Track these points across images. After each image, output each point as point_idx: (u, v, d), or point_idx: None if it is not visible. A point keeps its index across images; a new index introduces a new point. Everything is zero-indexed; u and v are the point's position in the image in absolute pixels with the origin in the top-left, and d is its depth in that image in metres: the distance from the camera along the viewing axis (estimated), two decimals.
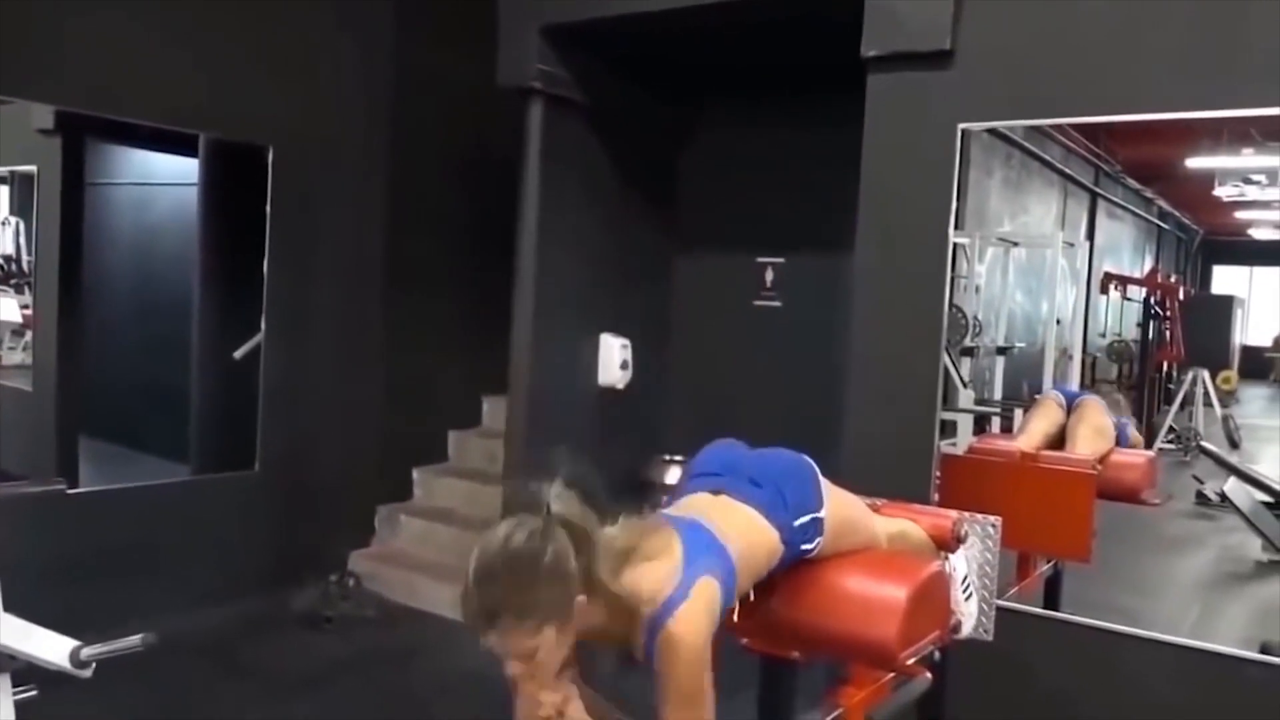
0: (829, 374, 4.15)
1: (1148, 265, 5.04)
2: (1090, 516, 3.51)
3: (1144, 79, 3.14)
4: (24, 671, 2.23)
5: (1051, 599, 3.57)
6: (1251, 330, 4.53)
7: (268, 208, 4.95)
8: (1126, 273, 4.90)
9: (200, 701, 3.85)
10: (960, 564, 2.39)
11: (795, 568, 2.01)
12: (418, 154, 5.57)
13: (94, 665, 2.20)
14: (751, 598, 1.96)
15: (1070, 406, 3.92)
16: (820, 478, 2.05)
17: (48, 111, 4.36)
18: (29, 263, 4.59)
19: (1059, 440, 3.77)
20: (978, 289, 4.51)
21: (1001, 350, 4.62)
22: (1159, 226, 5.04)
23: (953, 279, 3.59)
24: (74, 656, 2.17)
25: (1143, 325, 4.79)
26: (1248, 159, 3.90)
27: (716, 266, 5.42)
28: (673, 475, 4.82)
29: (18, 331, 4.71)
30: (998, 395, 4.60)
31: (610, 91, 4.87)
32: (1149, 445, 4.37)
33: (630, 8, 4.13)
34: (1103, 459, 3.60)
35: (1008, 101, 3.43)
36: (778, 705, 2.12)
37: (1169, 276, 4.92)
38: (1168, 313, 4.73)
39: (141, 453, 5.24)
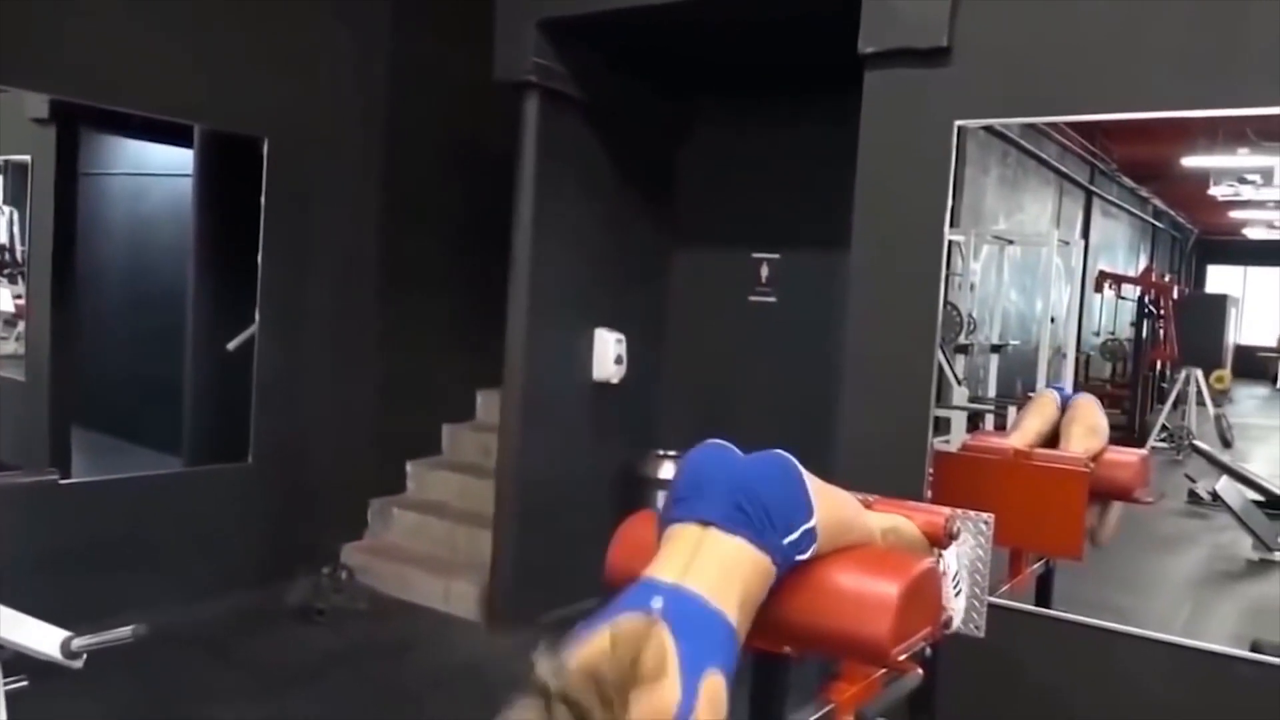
0: (823, 369, 4.16)
1: (1142, 264, 5.05)
2: (1083, 514, 3.51)
3: (1141, 77, 3.15)
4: (14, 661, 2.23)
5: (1043, 596, 3.58)
6: (1245, 330, 4.55)
7: (262, 199, 4.94)
8: (1121, 271, 4.91)
9: (191, 693, 3.84)
10: (951, 561, 2.39)
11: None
12: (414, 147, 5.56)
13: (85, 656, 2.21)
14: None
15: (1064, 405, 3.93)
16: (808, 483, 2.03)
17: (42, 101, 4.34)
18: (23, 252, 4.58)
19: (1052, 438, 3.77)
20: (973, 286, 4.51)
21: (996, 348, 4.62)
22: (1154, 225, 5.05)
23: (948, 276, 3.59)
24: (65, 647, 2.17)
25: (1137, 324, 4.80)
26: (1243, 158, 3.91)
27: (712, 262, 5.42)
28: (666, 470, 4.82)
29: (11, 321, 4.70)
30: (992, 393, 4.61)
31: (607, 87, 4.86)
32: (1142, 444, 4.39)
33: (627, 2, 4.13)
34: (1096, 457, 3.60)
35: (1005, 99, 3.43)
36: (770, 701, 2.12)
37: (1163, 275, 4.93)
38: (1162, 312, 4.74)
39: (134, 444, 5.23)
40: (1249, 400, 4.62)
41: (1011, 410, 4.31)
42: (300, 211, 5.10)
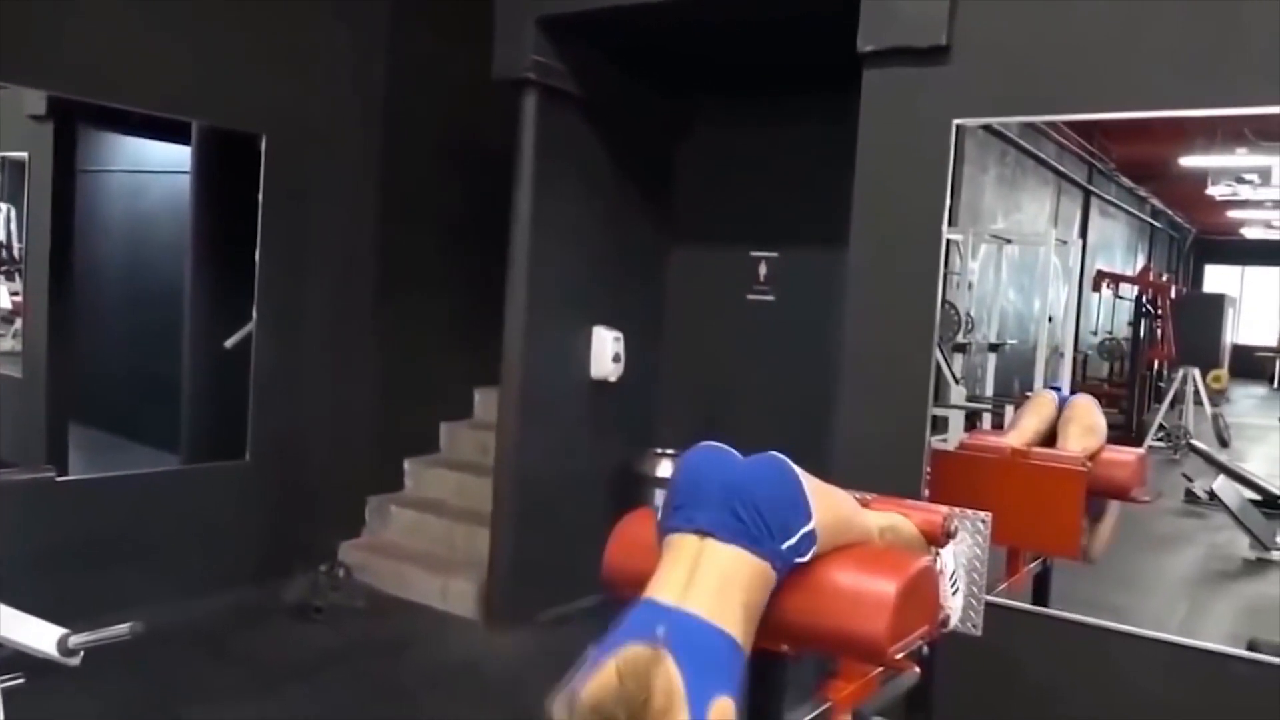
0: (821, 368, 4.15)
1: (1140, 263, 5.06)
2: (1080, 513, 3.52)
3: (1140, 76, 3.15)
4: (12, 659, 2.23)
5: (1040, 595, 3.59)
6: (1243, 329, 4.55)
7: (260, 196, 4.93)
8: (1119, 271, 4.92)
9: (189, 690, 3.84)
10: (949, 559, 2.39)
11: None
12: (412, 144, 5.55)
13: (82, 653, 2.20)
14: None
15: (1062, 404, 3.94)
16: (805, 485, 2.03)
17: (40, 97, 4.33)
18: (20, 249, 4.57)
19: (1050, 437, 3.78)
20: (970, 286, 4.52)
21: (993, 347, 4.63)
22: (1152, 225, 5.06)
23: (946, 275, 3.60)
24: (62, 644, 2.17)
25: (1134, 323, 4.81)
26: (1241, 158, 3.92)
27: (710, 260, 5.42)
28: (664, 468, 4.82)
29: (8, 318, 4.69)
30: (989, 392, 4.61)
31: (607, 84, 4.86)
32: (1139, 443, 4.40)
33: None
34: (1093, 456, 3.61)
35: (1003, 97, 3.43)
36: (767, 699, 2.12)
37: (1161, 275, 4.94)
38: (1159, 311, 4.75)
39: (132, 441, 5.22)
40: (1246, 400, 4.63)
41: (1009, 409, 4.32)
42: (298, 209, 5.09)
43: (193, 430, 5.17)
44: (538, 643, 4.47)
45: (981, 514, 2.52)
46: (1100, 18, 3.20)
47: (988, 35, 3.37)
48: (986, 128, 3.79)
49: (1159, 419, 4.54)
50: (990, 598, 2.60)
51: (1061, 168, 4.64)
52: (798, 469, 2.05)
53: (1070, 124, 3.99)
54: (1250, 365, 4.56)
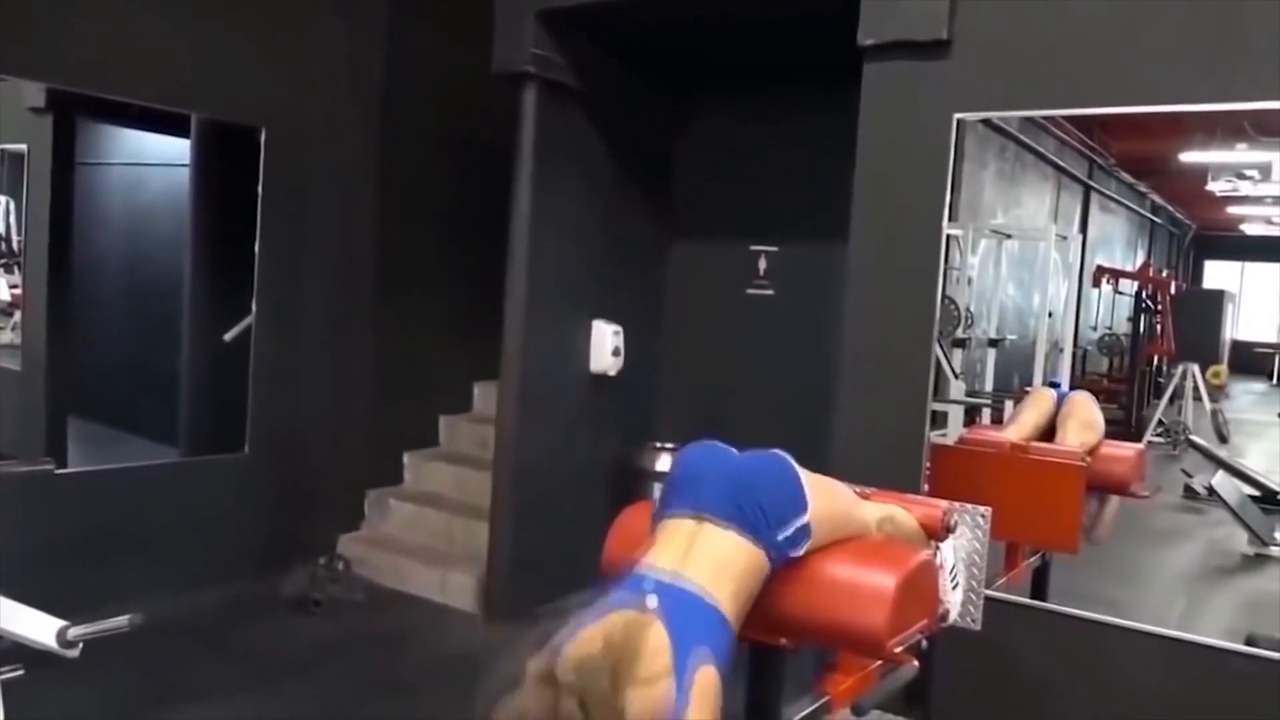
0: (820, 362, 4.15)
1: (1140, 259, 5.05)
2: (1079, 508, 3.52)
3: (1140, 71, 3.15)
4: (11, 650, 2.23)
5: (1039, 589, 3.59)
6: (1242, 325, 4.55)
7: (259, 189, 4.93)
8: (1119, 266, 4.91)
9: (188, 683, 3.84)
10: (948, 554, 2.40)
11: None
12: (411, 138, 5.55)
13: (81, 645, 2.20)
14: None
15: (1061, 400, 3.94)
16: (802, 478, 2.03)
17: (39, 90, 4.33)
18: (19, 242, 4.56)
19: (1049, 433, 3.78)
20: (970, 281, 4.52)
21: (993, 342, 4.63)
22: (1152, 221, 5.05)
23: (946, 270, 3.60)
24: (61, 636, 2.17)
25: (1134, 319, 4.81)
26: (1241, 154, 3.91)
27: (710, 254, 5.42)
28: (663, 462, 4.82)
29: (7, 311, 4.69)
30: (989, 387, 4.61)
31: (606, 79, 4.85)
32: (1139, 439, 4.40)
33: None
34: (1092, 451, 3.61)
35: (1004, 92, 3.43)
36: (766, 693, 2.12)
37: (1161, 271, 4.94)
38: (1159, 307, 4.75)
39: (131, 434, 5.22)
40: (1245, 395, 4.63)
41: (1008, 404, 4.32)
42: (297, 202, 5.08)
43: (192, 423, 5.16)
44: (532, 636, 4.46)
45: (981, 509, 2.52)
46: (1101, 12, 3.20)
47: (989, 29, 3.37)
48: (986, 122, 3.78)
49: (1158, 414, 4.54)
50: (989, 592, 2.60)
51: (1062, 163, 4.64)
52: (796, 464, 2.05)
53: (1070, 119, 3.98)
54: (1250, 361, 4.56)
